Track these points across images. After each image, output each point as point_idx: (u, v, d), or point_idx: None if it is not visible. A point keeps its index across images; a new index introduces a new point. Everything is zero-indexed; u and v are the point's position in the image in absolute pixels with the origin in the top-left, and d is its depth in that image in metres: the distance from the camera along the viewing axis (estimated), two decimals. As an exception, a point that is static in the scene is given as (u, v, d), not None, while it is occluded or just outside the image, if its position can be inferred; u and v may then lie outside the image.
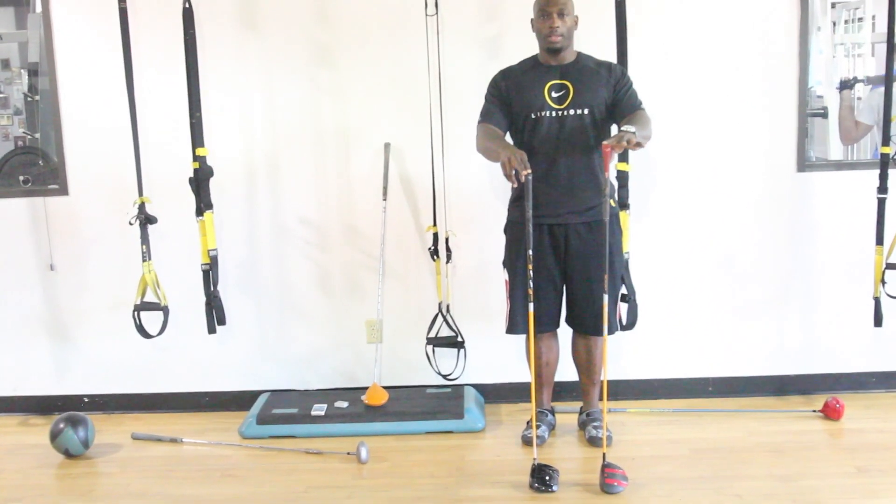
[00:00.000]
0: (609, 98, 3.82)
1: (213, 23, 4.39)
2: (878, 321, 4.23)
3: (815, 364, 4.62)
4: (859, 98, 5.15)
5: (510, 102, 3.88)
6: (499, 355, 4.51)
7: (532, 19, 3.86)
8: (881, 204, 4.18)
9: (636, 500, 3.50)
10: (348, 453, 4.00)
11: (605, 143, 3.50)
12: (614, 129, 3.83)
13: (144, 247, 4.24)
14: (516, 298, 3.97)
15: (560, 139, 3.81)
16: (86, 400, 4.77)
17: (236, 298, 4.59)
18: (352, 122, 4.51)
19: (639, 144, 3.47)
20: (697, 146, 4.45)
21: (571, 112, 3.80)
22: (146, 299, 4.28)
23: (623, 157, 4.12)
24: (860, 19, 5.16)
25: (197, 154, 4.18)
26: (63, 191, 4.61)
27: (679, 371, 4.64)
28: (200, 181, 4.19)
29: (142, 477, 3.95)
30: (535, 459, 3.68)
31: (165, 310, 4.25)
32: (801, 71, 4.40)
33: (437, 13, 4.25)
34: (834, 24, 5.02)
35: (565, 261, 3.92)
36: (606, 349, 3.73)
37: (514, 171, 3.51)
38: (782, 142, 4.45)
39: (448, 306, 4.43)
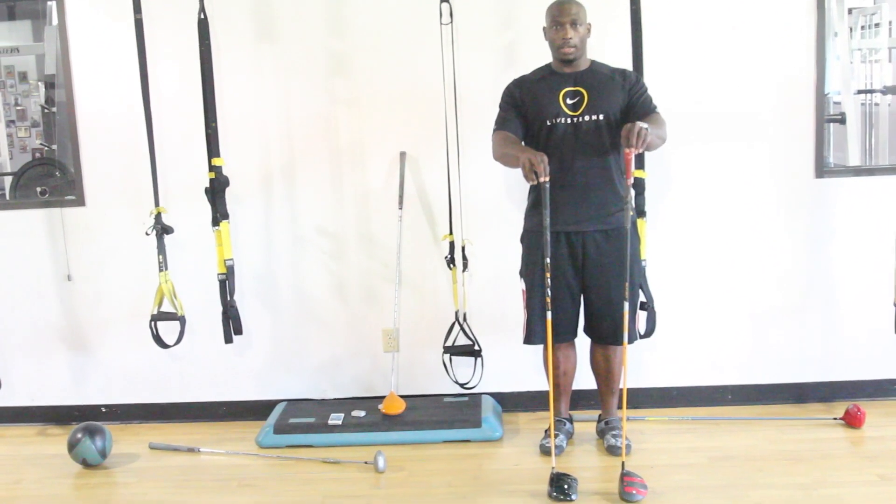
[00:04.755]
0: (624, 103, 3.81)
1: (228, 33, 4.40)
2: (899, 327, 4.20)
3: (836, 371, 4.58)
4: (877, 104, 5.12)
5: (525, 110, 3.88)
6: (516, 364, 4.49)
7: (544, 28, 3.86)
8: (901, 209, 4.16)
9: (656, 508, 3.49)
10: (366, 462, 3.98)
11: (626, 149, 3.49)
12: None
13: (161, 257, 4.25)
14: (533, 308, 3.95)
15: (575, 146, 3.80)
16: (103, 410, 4.78)
17: (253, 308, 4.60)
18: (367, 131, 4.51)
19: (647, 139, 3.45)
20: (714, 152, 4.43)
21: (586, 118, 3.79)
22: (163, 309, 4.29)
23: (640, 165, 4.10)
24: (877, 25, 5.15)
25: (213, 164, 4.19)
26: (80, 202, 4.62)
27: (698, 379, 4.61)
28: (216, 191, 4.21)
29: (159, 487, 3.95)
30: (553, 468, 3.66)
31: (182, 320, 4.26)
32: (819, 76, 4.37)
33: (451, 22, 4.24)
34: (851, 29, 5.01)
35: (583, 269, 3.90)
36: (626, 358, 3.71)
37: (534, 173, 3.51)
38: (800, 148, 4.42)
39: (465, 315, 4.42)
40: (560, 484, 3.57)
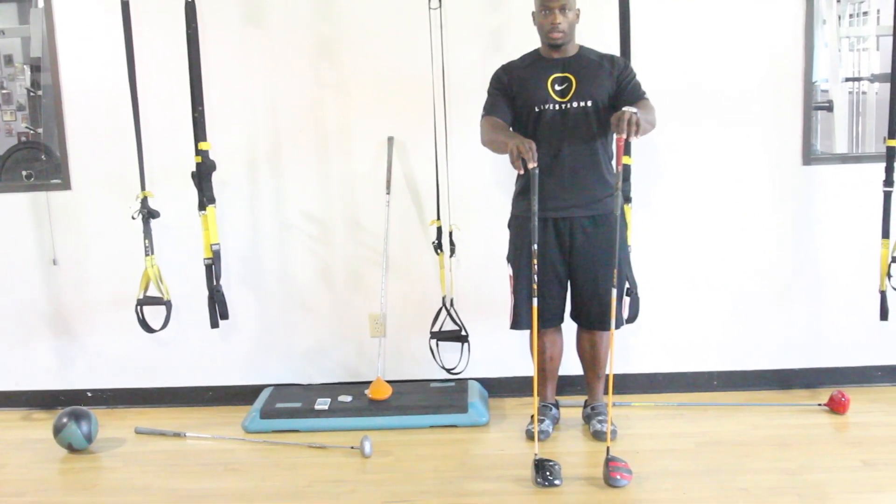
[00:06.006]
0: (612, 90, 3.81)
1: (215, 17, 4.37)
2: (883, 314, 4.21)
3: (821, 358, 4.60)
4: (864, 92, 5.13)
5: (513, 96, 3.87)
6: (503, 349, 4.50)
7: (533, 12, 3.85)
8: (887, 197, 4.15)
9: (641, 493, 3.49)
10: (352, 447, 3.99)
11: (617, 136, 3.48)
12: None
13: (147, 241, 4.23)
14: (520, 294, 3.95)
15: (563, 132, 3.80)
16: (89, 394, 4.77)
17: (239, 293, 4.59)
18: (355, 116, 4.50)
19: (639, 126, 3.43)
20: (702, 140, 4.43)
21: (574, 105, 3.78)
22: (149, 294, 4.28)
23: (626, 151, 4.09)
24: (865, 13, 5.15)
25: (199, 148, 4.16)
26: (66, 185, 4.60)
27: (684, 365, 4.63)
28: (203, 175, 4.18)
29: (145, 471, 3.95)
30: (535, 455, 3.67)
31: (168, 304, 4.25)
32: (807, 64, 4.37)
33: (440, 6, 4.23)
34: (839, 17, 5.00)
35: (570, 255, 3.90)
36: (613, 343, 3.72)
37: (521, 160, 3.50)
38: (788, 135, 4.43)
39: (452, 300, 4.42)
40: (543, 470, 3.57)
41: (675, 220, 4.49)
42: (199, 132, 4.17)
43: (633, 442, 3.98)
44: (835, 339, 4.58)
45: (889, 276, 4.18)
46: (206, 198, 4.18)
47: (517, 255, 3.96)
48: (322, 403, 4.36)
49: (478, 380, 4.61)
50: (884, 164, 4.16)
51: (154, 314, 4.27)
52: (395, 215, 4.51)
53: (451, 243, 4.38)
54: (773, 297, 4.55)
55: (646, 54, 4.19)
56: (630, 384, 4.56)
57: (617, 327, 3.78)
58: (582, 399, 4.28)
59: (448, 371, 4.40)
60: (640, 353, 4.58)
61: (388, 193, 4.43)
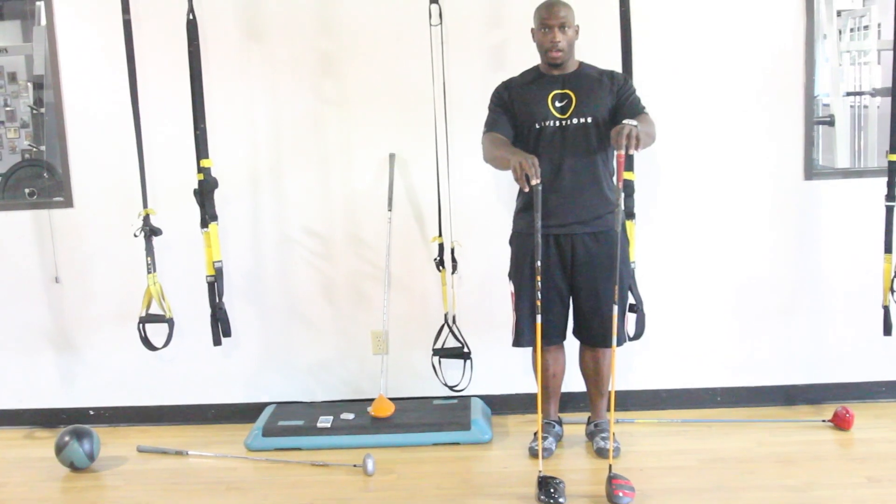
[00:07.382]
0: (612, 105, 3.80)
1: (216, 34, 4.38)
2: (887, 330, 4.19)
3: (824, 373, 4.58)
4: (866, 107, 5.13)
5: (513, 113, 3.87)
6: (506, 366, 4.49)
7: (532, 29, 3.85)
8: (889, 211, 4.14)
9: (644, 511, 3.49)
10: (354, 465, 3.98)
11: (617, 150, 3.47)
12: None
13: (149, 259, 4.23)
14: (522, 311, 3.94)
15: (564, 148, 3.80)
16: (91, 412, 4.76)
17: (241, 310, 4.59)
18: (356, 133, 4.50)
19: (638, 139, 3.42)
20: (704, 155, 4.43)
21: (575, 121, 3.78)
22: (151, 311, 4.27)
23: (629, 166, 4.10)
24: (866, 27, 5.16)
25: (201, 165, 4.17)
26: (68, 203, 4.61)
27: (687, 381, 4.61)
28: (205, 192, 4.18)
29: (147, 490, 3.93)
30: (539, 472, 3.66)
31: (170, 322, 4.25)
32: (808, 79, 4.37)
33: (441, 23, 4.24)
34: (840, 32, 5.02)
35: (572, 272, 3.89)
36: (615, 360, 3.71)
37: (524, 176, 3.50)
38: (789, 150, 4.43)
39: (454, 317, 4.41)
40: (547, 488, 3.56)
41: (678, 236, 4.49)
42: (201, 149, 4.18)
43: (637, 459, 3.97)
44: (838, 354, 4.56)
45: (892, 291, 4.16)
46: (208, 215, 4.19)
47: (518, 272, 3.95)
48: (325, 421, 4.35)
49: (480, 397, 4.60)
50: (886, 179, 4.15)
51: (156, 332, 4.27)
52: (397, 232, 4.50)
53: (453, 260, 4.38)
54: (776, 312, 4.54)
55: (647, 69, 4.19)
56: (633, 401, 4.55)
57: (619, 344, 3.77)
58: (585, 416, 4.27)
59: (450, 388, 4.39)
60: (643, 369, 4.56)
61: (389, 210, 4.43)
